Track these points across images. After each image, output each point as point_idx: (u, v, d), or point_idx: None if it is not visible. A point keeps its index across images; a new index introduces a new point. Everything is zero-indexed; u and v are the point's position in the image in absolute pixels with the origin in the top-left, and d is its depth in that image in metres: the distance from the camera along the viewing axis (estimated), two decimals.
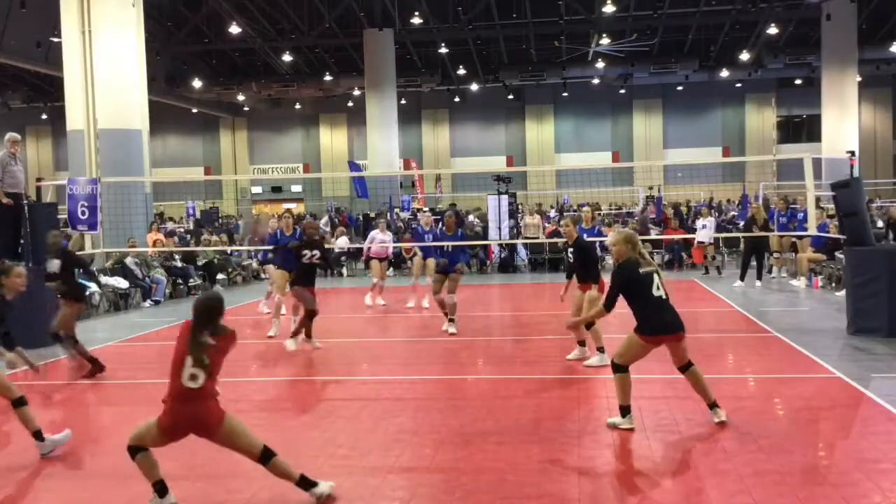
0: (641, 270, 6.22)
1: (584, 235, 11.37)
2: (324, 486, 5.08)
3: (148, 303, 15.72)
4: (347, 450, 6.16)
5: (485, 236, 21.46)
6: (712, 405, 6.42)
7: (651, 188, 34.77)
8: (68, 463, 6.09)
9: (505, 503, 4.98)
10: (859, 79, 32.34)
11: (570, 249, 9.20)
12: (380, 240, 14.19)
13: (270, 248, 12.62)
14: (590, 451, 5.94)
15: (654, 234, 20.58)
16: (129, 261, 15.81)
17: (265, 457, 4.89)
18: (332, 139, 48.19)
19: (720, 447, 5.88)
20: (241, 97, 42.37)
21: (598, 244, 11.34)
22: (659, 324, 6.22)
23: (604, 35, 34.23)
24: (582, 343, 9.16)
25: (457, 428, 6.64)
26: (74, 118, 17.38)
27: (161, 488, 4.88)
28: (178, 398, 4.81)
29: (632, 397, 6.42)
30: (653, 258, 6.75)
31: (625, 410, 6.37)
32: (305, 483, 5.00)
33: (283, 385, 8.75)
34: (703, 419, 6.60)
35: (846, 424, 6.58)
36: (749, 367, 8.96)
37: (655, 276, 6.25)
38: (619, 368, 6.36)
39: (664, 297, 6.26)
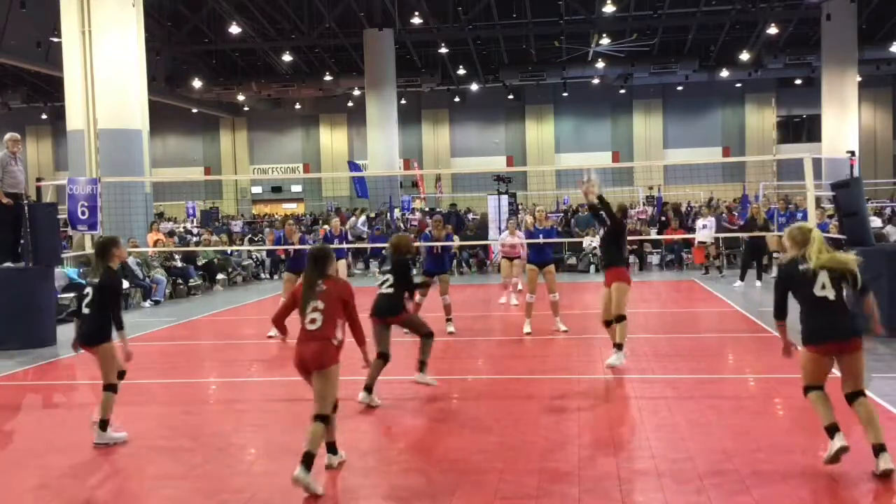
0: (801, 267, 5.45)
1: (541, 236, 11.50)
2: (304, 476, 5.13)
3: (148, 303, 15.72)
4: (347, 450, 6.16)
5: (484, 236, 21.45)
6: (879, 448, 5.18)
7: (651, 188, 34.77)
8: (69, 462, 6.08)
9: (505, 503, 4.98)
10: (859, 79, 32.32)
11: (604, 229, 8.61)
12: (510, 242, 14.43)
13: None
14: (590, 450, 5.94)
15: (653, 234, 20.59)
16: (130, 261, 15.81)
17: (326, 417, 5.33)
18: (332, 139, 48.18)
19: (720, 447, 5.88)
20: (241, 97, 42.36)
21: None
22: (815, 328, 5.36)
23: (604, 35, 34.22)
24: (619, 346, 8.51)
25: (457, 428, 6.64)
26: (74, 118, 17.37)
27: (308, 459, 5.10)
28: (302, 340, 5.40)
29: (828, 418, 5.38)
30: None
31: (830, 431, 5.33)
32: (307, 460, 5.12)
33: (284, 385, 8.76)
34: (702, 419, 6.60)
35: (846, 424, 6.56)
36: (749, 367, 8.96)
37: (822, 273, 5.36)
38: (808, 389, 5.51)
39: (832, 297, 5.34)
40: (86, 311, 6.29)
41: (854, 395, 5.36)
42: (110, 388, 6.28)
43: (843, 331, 5.32)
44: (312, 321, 5.35)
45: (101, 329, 6.24)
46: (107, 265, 6.37)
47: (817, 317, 5.35)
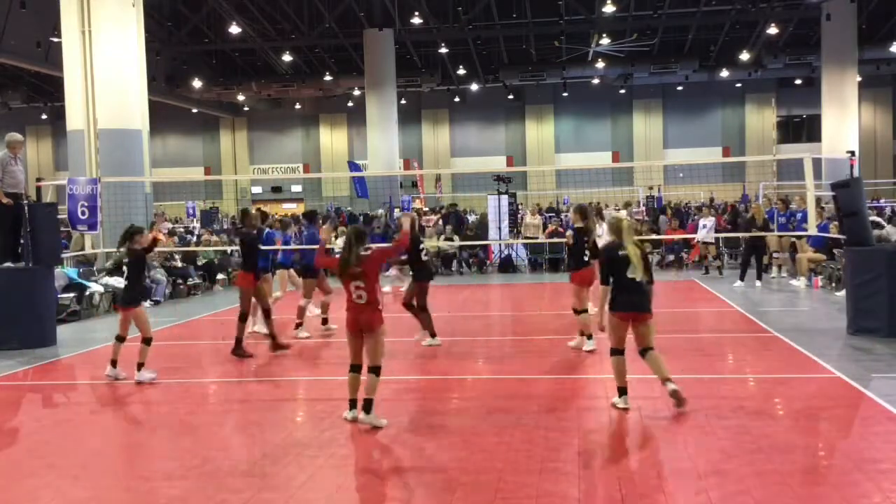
0: (620, 253, 6.89)
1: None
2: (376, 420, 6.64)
3: (148, 303, 15.68)
4: (347, 450, 6.16)
5: (484, 236, 21.45)
6: (666, 380, 6.81)
7: (651, 188, 34.79)
8: (69, 462, 6.08)
9: (505, 503, 4.98)
10: (859, 79, 32.29)
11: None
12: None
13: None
14: (590, 451, 5.94)
15: (654, 234, 20.57)
16: None
17: (376, 370, 6.65)
18: (332, 139, 48.18)
19: (720, 447, 5.88)
20: (241, 97, 42.34)
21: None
22: (625, 301, 6.86)
23: (604, 35, 34.20)
24: (589, 336, 9.57)
25: (457, 428, 6.64)
26: (74, 118, 17.36)
27: (368, 405, 6.63)
28: (353, 310, 6.69)
29: (628, 383, 6.99)
30: (649, 256, 7.55)
31: (621, 391, 6.95)
32: (367, 406, 6.62)
33: (285, 385, 8.76)
34: (703, 420, 6.61)
35: (846, 424, 6.58)
36: (749, 367, 8.97)
37: (633, 260, 6.86)
38: (613, 351, 6.98)
39: (637, 280, 6.85)
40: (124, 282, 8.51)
41: (644, 351, 6.94)
42: (147, 341, 8.42)
43: (643, 306, 6.86)
44: (359, 297, 6.62)
45: (135, 296, 8.47)
46: (133, 247, 8.49)
47: (626, 293, 6.83)
